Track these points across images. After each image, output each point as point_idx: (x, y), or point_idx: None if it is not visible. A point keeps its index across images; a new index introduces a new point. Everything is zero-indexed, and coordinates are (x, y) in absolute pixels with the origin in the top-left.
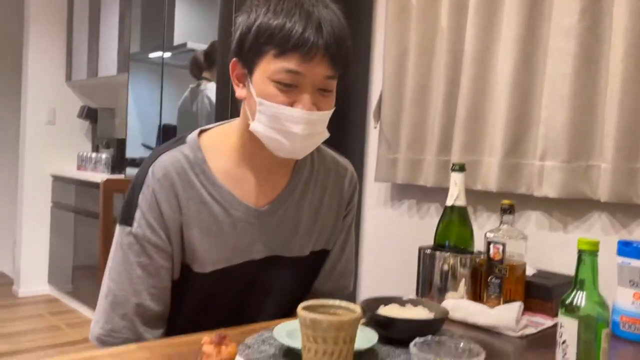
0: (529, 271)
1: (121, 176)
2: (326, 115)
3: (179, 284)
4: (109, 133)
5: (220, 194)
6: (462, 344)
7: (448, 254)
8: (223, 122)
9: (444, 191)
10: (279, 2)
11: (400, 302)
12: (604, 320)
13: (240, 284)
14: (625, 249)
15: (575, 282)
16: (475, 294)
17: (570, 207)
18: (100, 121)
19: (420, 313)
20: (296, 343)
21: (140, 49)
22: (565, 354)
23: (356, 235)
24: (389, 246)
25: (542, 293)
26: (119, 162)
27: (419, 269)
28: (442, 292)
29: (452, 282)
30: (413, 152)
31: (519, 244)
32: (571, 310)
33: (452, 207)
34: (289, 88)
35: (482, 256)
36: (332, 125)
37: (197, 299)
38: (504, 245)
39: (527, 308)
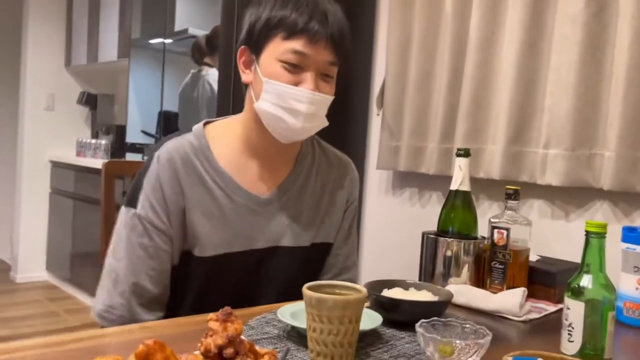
0: (532, 258)
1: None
2: (328, 99)
3: (182, 271)
4: (108, 119)
5: (223, 180)
6: (468, 326)
7: (451, 239)
8: (228, 116)
9: (446, 179)
10: None
11: (404, 285)
12: (610, 303)
13: (242, 272)
14: (630, 235)
15: (582, 265)
16: (479, 280)
17: (573, 195)
18: (99, 107)
19: (424, 296)
20: (301, 323)
21: (141, 35)
22: (570, 336)
23: (358, 223)
24: (390, 234)
25: (546, 279)
26: (118, 148)
27: (422, 254)
28: (445, 277)
29: (455, 268)
30: (415, 140)
31: (523, 230)
32: (577, 292)
33: (457, 192)
34: (294, 69)
35: (485, 241)
36: (335, 112)
37: (200, 285)
38: (508, 230)
39: (531, 294)
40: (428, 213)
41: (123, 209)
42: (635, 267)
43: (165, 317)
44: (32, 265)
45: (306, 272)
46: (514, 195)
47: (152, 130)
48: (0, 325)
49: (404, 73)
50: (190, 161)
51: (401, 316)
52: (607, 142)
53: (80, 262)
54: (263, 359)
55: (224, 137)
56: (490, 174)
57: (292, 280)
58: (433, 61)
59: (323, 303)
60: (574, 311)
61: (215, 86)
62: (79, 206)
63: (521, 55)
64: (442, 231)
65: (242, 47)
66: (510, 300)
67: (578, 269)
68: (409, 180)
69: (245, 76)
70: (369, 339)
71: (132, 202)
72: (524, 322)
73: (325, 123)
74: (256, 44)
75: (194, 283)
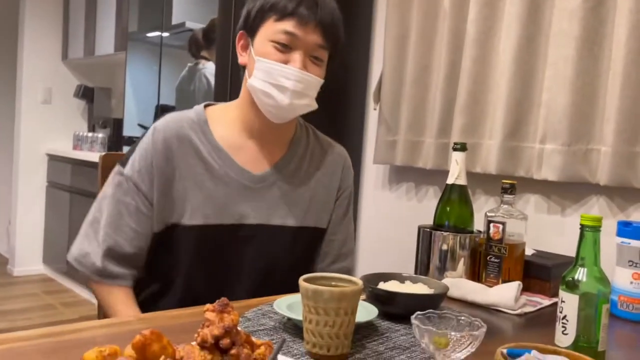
0: (528, 252)
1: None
2: (316, 80)
3: (171, 244)
4: (105, 113)
5: (218, 154)
6: (463, 318)
7: (447, 233)
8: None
9: (443, 174)
10: None
11: (400, 278)
12: (605, 296)
13: (232, 247)
14: (625, 229)
15: (576, 258)
16: (474, 274)
17: (569, 190)
18: (96, 101)
19: (420, 289)
20: (297, 315)
21: (139, 29)
22: (565, 328)
23: (354, 217)
24: (387, 228)
25: (541, 273)
26: (115, 142)
27: (418, 248)
28: (441, 271)
29: (451, 262)
30: (412, 134)
31: (519, 224)
32: (572, 285)
33: (453, 186)
34: (284, 48)
35: (481, 235)
36: (332, 106)
37: (190, 257)
38: (504, 224)
39: (526, 288)
40: (425, 207)
41: (116, 167)
42: (630, 261)
43: (159, 293)
44: (29, 259)
45: (294, 253)
46: (510, 190)
47: (149, 123)
48: None
49: (401, 67)
50: (186, 133)
51: (397, 309)
52: (603, 137)
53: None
54: (259, 350)
55: (222, 118)
56: (487, 168)
57: (279, 260)
58: (430, 56)
59: (319, 295)
60: (569, 304)
61: (212, 80)
62: (76, 199)
63: (518, 49)
64: (438, 225)
65: (240, 32)
66: (505, 294)
67: (573, 262)
68: (405, 174)
69: (242, 58)
70: (365, 331)
71: (123, 163)
72: (519, 315)
73: (314, 106)
74: (251, 27)
75: (185, 255)
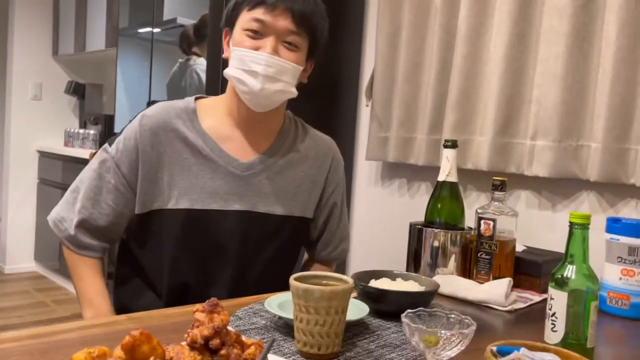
0: (518, 248)
1: None
2: (289, 65)
3: (160, 229)
4: (97, 109)
5: (205, 141)
6: (453, 316)
7: (438, 230)
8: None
9: (434, 170)
10: None
11: (391, 276)
12: (593, 293)
13: (218, 232)
14: (614, 225)
15: (565, 256)
16: (465, 270)
17: (560, 186)
18: (87, 97)
19: (411, 286)
20: (288, 314)
21: (129, 24)
22: (554, 325)
23: (348, 213)
24: (379, 225)
25: (531, 269)
26: (107, 138)
27: (410, 245)
28: (432, 268)
29: (442, 258)
30: (404, 131)
31: (509, 220)
32: (561, 283)
33: (444, 183)
34: (256, 35)
35: (472, 232)
36: (324, 102)
37: (176, 242)
38: (494, 221)
39: (516, 284)
40: (417, 203)
41: (105, 144)
42: (619, 257)
43: (147, 283)
44: (21, 256)
45: (279, 241)
46: (500, 187)
47: None
48: None
49: (393, 64)
50: (173, 121)
51: (388, 306)
52: (593, 134)
53: None
54: (249, 350)
55: (210, 110)
56: (478, 165)
57: (264, 248)
58: (422, 52)
59: (310, 294)
60: (558, 301)
61: (204, 76)
62: None
63: (509, 46)
64: (429, 222)
65: (226, 29)
66: (496, 291)
67: (562, 259)
68: (398, 171)
69: (226, 52)
70: (356, 329)
71: (111, 142)
72: (509, 312)
73: (292, 92)
74: (231, 21)
75: (171, 240)
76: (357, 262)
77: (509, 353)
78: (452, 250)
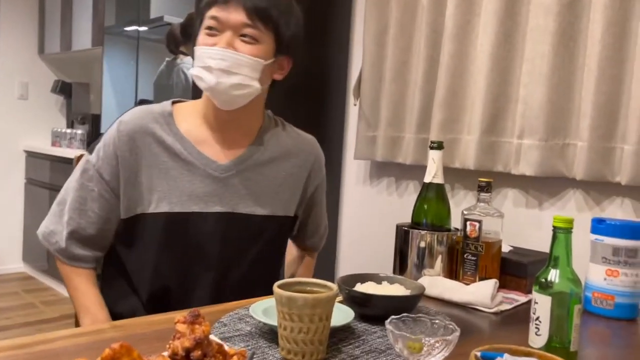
0: (504, 248)
1: None
2: (245, 58)
3: (142, 233)
4: (84, 108)
5: (182, 144)
6: (437, 321)
7: (425, 231)
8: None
9: (422, 169)
10: None
11: (377, 279)
12: (577, 296)
13: (199, 235)
14: (599, 226)
15: (549, 259)
16: (452, 271)
17: (546, 184)
18: (74, 96)
19: (396, 290)
20: (272, 321)
21: (116, 23)
22: (538, 329)
23: (335, 212)
24: (367, 223)
25: (517, 270)
26: (94, 138)
27: (396, 246)
28: (419, 269)
29: (428, 260)
30: (392, 130)
31: (495, 222)
32: (545, 286)
33: (430, 184)
34: (212, 31)
35: (458, 233)
36: (312, 102)
37: (158, 247)
38: (480, 222)
39: (502, 285)
40: (405, 202)
41: (86, 153)
42: (604, 257)
43: (131, 289)
44: (8, 257)
45: (262, 242)
46: (486, 188)
47: None
48: None
49: (380, 63)
50: (150, 126)
51: (373, 311)
52: (579, 132)
53: None
54: (232, 359)
55: (187, 113)
56: (466, 163)
57: (247, 249)
58: (409, 51)
59: (293, 301)
60: (541, 305)
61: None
62: (55, 196)
63: (496, 45)
64: (415, 223)
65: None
66: (481, 292)
67: (546, 263)
68: (386, 170)
69: None
70: (342, 334)
71: (91, 151)
72: (495, 313)
73: (253, 86)
74: (199, 25)
75: (152, 244)
76: (346, 260)
77: (493, 359)
78: (439, 251)
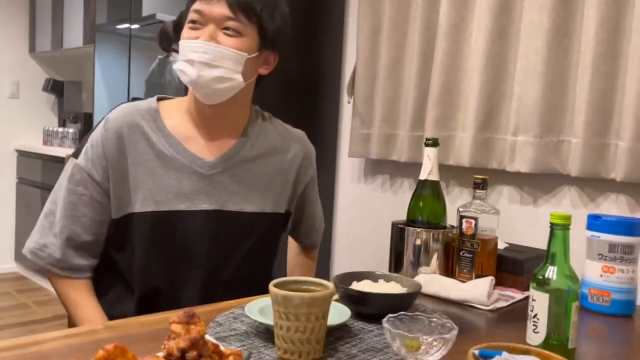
0: (500, 245)
1: None
2: (227, 51)
3: (130, 233)
4: (76, 107)
5: (168, 141)
6: (434, 319)
7: (420, 229)
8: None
9: (417, 166)
10: None
11: (373, 277)
12: (574, 293)
13: (186, 233)
14: (595, 222)
15: (547, 256)
16: (448, 269)
17: (541, 181)
18: (66, 95)
19: (393, 288)
20: (268, 320)
21: (108, 20)
22: (536, 327)
23: (330, 210)
24: (362, 221)
25: (513, 267)
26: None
27: (392, 244)
28: (415, 267)
29: (424, 257)
30: (387, 127)
31: (491, 219)
32: (542, 284)
33: (425, 182)
34: (195, 25)
35: (454, 231)
36: (306, 99)
37: (145, 245)
38: (476, 219)
39: (499, 282)
40: (400, 200)
41: (69, 160)
42: (600, 254)
43: (121, 291)
44: (0, 257)
45: (252, 239)
46: (482, 185)
47: None
48: None
49: (374, 60)
50: (137, 122)
51: (369, 309)
52: (574, 129)
53: None
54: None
55: (173, 110)
56: (460, 160)
57: (237, 246)
58: (403, 48)
59: (289, 300)
60: (539, 302)
61: None
62: (47, 196)
63: (490, 42)
64: (411, 221)
65: None
66: (478, 290)
67: (544, 258)
68: (380, 167)
69: None
70: (338, 333)
71: (76, 154)
72: (492, 310)
73: (234, 80)
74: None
75: (140, 244)
76: (341, 258)
77: (491, 357)
78: (435, 248)
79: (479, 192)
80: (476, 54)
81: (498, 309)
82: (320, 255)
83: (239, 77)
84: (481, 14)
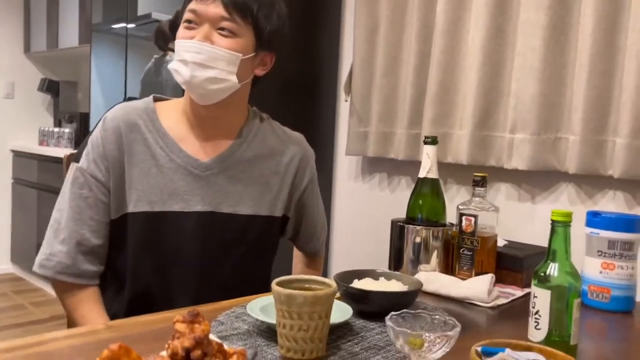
0: (499, 243)
1: None
2: (221, 51)
3: (124, 234)
4: (72, 107)
5: (164, 141)
6: (437, 317)
7: (420, 226)
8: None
9: (414, 164)
10: None
11: (374, 275)
12: (576, 290)
13: (180, 234)
14: (594, 219)
15: (548, 253)
16: (448, 267)
17: (539, 178)
18: (62, 94)
19: (394, 286)
20: (270, 319)
21: (103, 20)
22: (537, 323)
23: (327, 209)
24: (360, 220)
25: (513, 264)
26: (82, 137)
27: (392, 242)
28: (415, 264)
29: (424, 255)
30: (384, 126)
31: (490, 216)
32: (544, 280)
33: (425, 180)
34: (191, 25)
35: (454, 228)
36: (303, 98)
37: (137, 245)
38: (475, 217)
39: (498, 279)
40: (398, 198)
41: (71, 165)
42: (599, 251)
43: (114, 291)
44: None
45: (246, 242)
46: (481, 182)
47: None
48: None
49: (371, 59)
50: (134, 121)
51: (371, 307)
52: (571, 126)
53: None
54: (232, 359)
55: (169, 110)
56: (458, 158)
57: (230, 249)
58: (400, 46)
59: (292, 299)
60: (541, 299)
61: None
62: (44, 196)
63: (487, 39)
64: (410, 218)
65: None
66: (478, 287)
67: (544, 254)
68: (378, 165)
69: None
70: (340, 331)
71: (77, 158)
72: (492, 308)
73: (229, 81)
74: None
75: (132, 244)
76: (339, 257)
77: (493, 353)
78: (434, 246)
79: (479, 189)
80: (473, 52)
81: (498, 306)
82: None
83: (233, 78)
84: (478, 12)
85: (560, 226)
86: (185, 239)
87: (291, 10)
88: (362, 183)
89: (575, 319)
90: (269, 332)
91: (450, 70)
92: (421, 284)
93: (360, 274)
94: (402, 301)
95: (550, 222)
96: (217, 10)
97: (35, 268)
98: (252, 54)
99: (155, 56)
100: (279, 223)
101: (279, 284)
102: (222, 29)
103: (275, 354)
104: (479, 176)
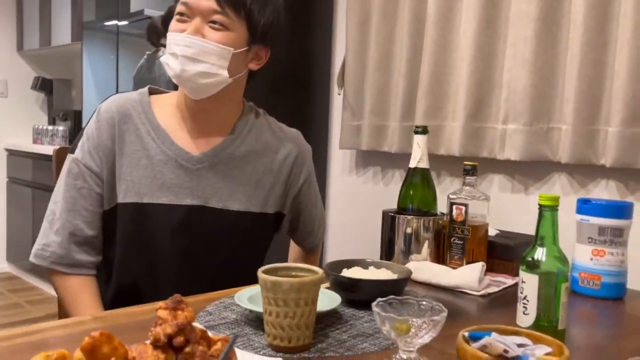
0: (491, 232)
1: None
2: (212, 45)
3: (113, 225)
4: (65, 105)
5: (157, 133)
6: (424, 303)
7: (411, 216)
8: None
9: (408, 157)
10: None
11: (364, 264)
12: (564, 275)
13: (168, 227)
14: (584, 206)
15: (535, 238)
16: (439, 257)
17: (532, 169)
18: (55, 92)
19: (383, 274)
20: (258, 307)
21: (95, 17)
22: (525, 309)
23: (322, 202)
24: (354, 212)
25: (504, 253)
26: (76, 134)
27: (383, 232)
28: (406, 255)
29: (415, 245)
30: (377, 119)
31: (481, 205)
32: (532, 266)
33: (415, 170)
34: (182, 17)
35: (445, 218)
36: (296, 92)
37: (125, 237)
38: (466, 206)
39: (490, 268)
40: (391, 191)
41: (67, 157)
42: (590, 237)
43: (103, 283)
44: None
45: (236, 238)
46: (471, 171)
47: None
48: None
49: (364, 52)
50: (128, 112)
51: (360, 295)
52: (563, 116)
53: None
54: (216, 346)
55: (163, 103)
56: (451, 150)
57: (219, 245)
58: (392, 39)
59: (278, 286)
60: (529, 284)
61: None
62: (38, 195)
63: (479, 31)
64: (401, 209)
65: None
66: (469, 276)
67: (532, 242)
68: (371, 158)
69: None
70: (329, 319)
71: (73, 150)
72: (483, 296)
73: (219, 75)
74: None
75: (120, 233)
76: (333, 250)
77: (480, 338)
78: (425, 236)
79: (469, 178)
80: (465, 44)
81: (489, 294)
82: None
83: (224, 73)
84: (469, 3)
85: (547, 210)
86: (174, 232)
87: (283, 4)
88: (356, 176)
89: (563, 304)
90: (257, 321)
91: (443, 62)
92: (410, 272)
93: (350, 263)
94: (391, 289)
95: (538, 206)
96: (209, 3)
97: (31, 258)
98: (245, 48)
99: (148, 52)
100: (272, 220)
101: (265, 271)
102: (213, 22)
103: (262, 342)
104: (469, 165)
